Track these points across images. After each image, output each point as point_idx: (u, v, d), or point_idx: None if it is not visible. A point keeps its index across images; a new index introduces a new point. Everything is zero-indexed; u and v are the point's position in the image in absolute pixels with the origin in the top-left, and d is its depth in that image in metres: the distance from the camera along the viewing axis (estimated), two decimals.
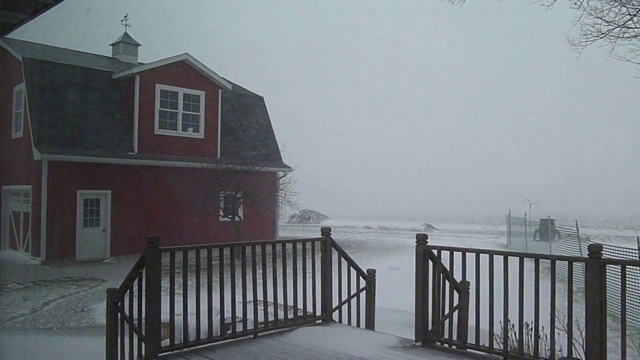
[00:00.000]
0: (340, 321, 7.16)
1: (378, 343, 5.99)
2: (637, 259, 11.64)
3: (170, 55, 20.76)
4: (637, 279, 10.23)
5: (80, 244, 18.19)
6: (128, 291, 5.75)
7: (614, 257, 11.67)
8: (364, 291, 7.24)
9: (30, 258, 17.88)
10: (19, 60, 18.56)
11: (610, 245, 13.44)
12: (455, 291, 5.99)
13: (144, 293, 5.52)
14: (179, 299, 5.66)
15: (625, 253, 12.59)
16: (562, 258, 5.57)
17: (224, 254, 6.06)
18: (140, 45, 24.62)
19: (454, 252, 5.86)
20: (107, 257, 18.59)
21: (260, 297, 6.37)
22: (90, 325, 10.32)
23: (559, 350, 5.32)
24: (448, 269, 5.90)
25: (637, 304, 10.13)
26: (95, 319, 10.61)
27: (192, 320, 5.74)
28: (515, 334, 6.00)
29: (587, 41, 9.65)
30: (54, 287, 13.73)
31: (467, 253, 5.76)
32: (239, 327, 6.23)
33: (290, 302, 6.68)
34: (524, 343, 5.48)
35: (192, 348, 5.76)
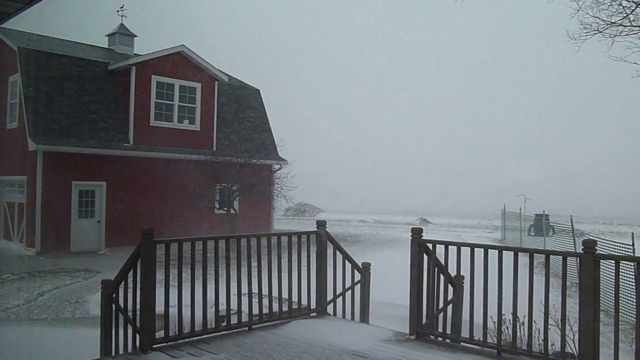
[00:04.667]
0: (334, 314, 7.18)
1: (372, 336, 6.01)
2: (631, 254, 11.69)
3: (166, 47, 20.68)
4: (631, 275, 10.27)
5: (75, 235, 18.16)
6: (123, 282, 5.74)
7: (608, 253, 11.72)
8: (359, 284, 7.26)
9: (25, 249, 17.85)
10: (14, 50, 18.44)
11: (605, 240, 13.49)
12: (449, 285, 6.01)
13: (138, 285, 5.51)
14: (173, 291, 5.66)
15: (619, 248, 12.64)
16: (556, 253, 5.59)
17: (219, 246, 6.06)
18: (136, 36, 24.51)
19: (449, 246, 5.87)
20: (101, 248, 18.57)
21: (255, 289, 6.38)
22: (84, 317, 10.33)
23: (552, 345, 5.35)
24: (443, 263, 5.92)
25: (630, 299, 10.18)
26: (90, 310, 10.61)
27: (186, 312, 5.74)
28: (508, 328, 6.03)
29: (587, 35, 9.66)
30: (49, 278, 13.71)
31: (461, 247, 5.77)
32: (234, 320, 6.23)
33: (285, 295, 6.68)
34: (517, 337, 5.51)
35: (186, 340, 5.77)
